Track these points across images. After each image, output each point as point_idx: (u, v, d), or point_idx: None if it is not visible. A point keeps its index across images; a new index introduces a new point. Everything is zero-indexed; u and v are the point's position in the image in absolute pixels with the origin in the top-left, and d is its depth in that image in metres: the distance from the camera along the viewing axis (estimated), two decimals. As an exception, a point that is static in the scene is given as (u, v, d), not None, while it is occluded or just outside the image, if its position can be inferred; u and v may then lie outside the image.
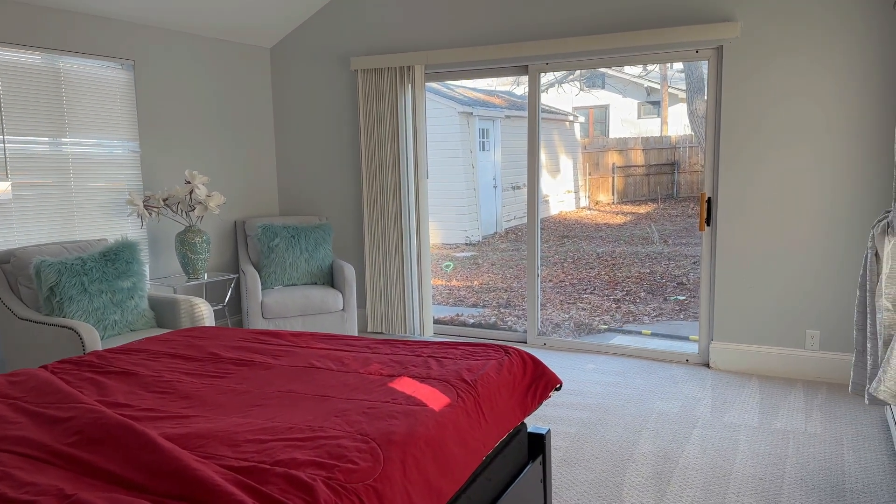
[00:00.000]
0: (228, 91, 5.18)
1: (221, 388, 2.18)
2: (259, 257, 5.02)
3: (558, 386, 2.43)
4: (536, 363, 2.43)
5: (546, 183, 14.14)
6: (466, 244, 11.34)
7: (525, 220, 13.06)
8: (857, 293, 2.75)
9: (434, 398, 1.97)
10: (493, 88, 15.32)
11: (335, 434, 1.71)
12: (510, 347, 2.46)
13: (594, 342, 4.94)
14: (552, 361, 4.56)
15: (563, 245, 10.61)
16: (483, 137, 12.19)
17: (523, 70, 4.82)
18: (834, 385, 4.00)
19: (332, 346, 2.56)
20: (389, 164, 5.10)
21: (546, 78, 15.67)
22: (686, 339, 5.29)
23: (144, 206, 4.28)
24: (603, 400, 3.83)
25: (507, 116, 12.94)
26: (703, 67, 12.92)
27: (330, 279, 5.03)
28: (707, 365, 4.42)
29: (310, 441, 1.68)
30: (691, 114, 13.04)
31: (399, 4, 5.04)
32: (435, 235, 11.69)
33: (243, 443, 1.69)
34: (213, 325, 3.87)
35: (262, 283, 4.85)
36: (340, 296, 4.80)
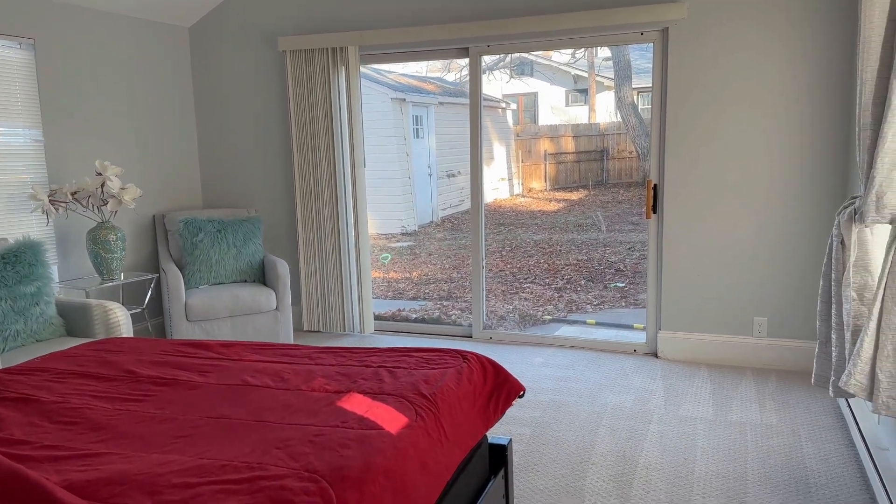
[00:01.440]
0: (143, 74, 4.74)
1: (139, 414, 1.88)
2: (182, 254, 4.62)
3: (521, 393, 2.23)
4: (498, 370, 2.22)
5: (480, 170, 13.97)
6: (403, 234, 11.08)
7: (461, 208, 12.90)
8: (821, 282, 2.67)
9: (390, 418, 1.73)
10: (424, 74, 15.05)
11: (278, 472, 1.45)
12: (468, 353, 2.25)
13: (540, 334, 4.80)
14: (499, 356, 4.39)
15: (500, 233, 10.49)
16: (417, 124, 11.92)
17: (463, 53, 4.60)
18: (783, 372, 3.98)
19: (269, 358, 2.28)
20: (323, 153, 4.79)
21: (477, 64, 15.51)
22: (631, 327, 5.22)
23: (50, 200, 3.84)
24: (555, 396, 3.68)
25: (441, 103, 12.70)
26: (632, 54, 13.00)
27: (261, 276, 4.69)
28: (655, 354, 4.35)
29: (247, 483, 1.42)
30: (619, 101, 13.13)
31: (330, -19, 4.71)
32: (370, 225, 11.36)
33: (167, 489, 1.41)
34: (131, 331, 3.50)
35: (185, 283, 4.47)
36: (273, 294, 4.47)
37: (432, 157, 12.30)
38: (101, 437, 1.74)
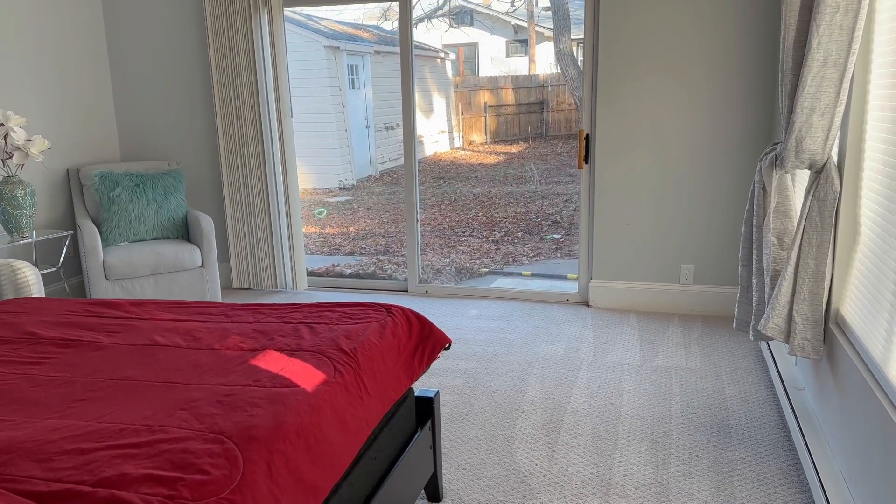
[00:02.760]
0: (49, 17, 4.39)
1: (37, 378, 1.76)
2: (99, 210, 4.38)
3: (447, 345, 2.20)
4: (423, 322, 2.18)
5: (420, 123, 13.82)
6: (340, 188, 10.87)
7: (400, 162, 12.72)
8: (743, 228, 2.71)
9: (307, 375, 1.67)
10: (360, 23, 14.59)
11: (181, 434, 1.38)
12: (393, 306, 2.19)
13: (476, 287, 4.79)
14: (435, 310, 4.36)
15: (440, 187, 10.41)
16: (352, 74, 11.58)
17: (393, -3, 4.42)
18: (708, 318, 4.09)
19: (182, 317, 2.17)
20: (247, 102, 4.58)
21: (415, 13, 15.12)
22: (564, 278, 5.27)
23: (-56, 153, 3.55)
24: (488, 347, 3.69)
25: (378, 52, 12.36)
26: (570, 4, 12.89)
27: (185, 233, 4.51)
28: (587, 304, 4.40)
29: (147, 446, 1.34)
30: (558, 52, 13.07)
31: (250, -83, 4.43)
32: (306, 180, 11.10)
33: (58, 455, 1.32)
34: (42, 291, 3.30)
35: (104, 240, 4.25)
36: (198, 251, 4.30)
37: (369, 108, 12.02)
38: (-7, 405, 1.62)
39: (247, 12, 4.44)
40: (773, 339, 3.02)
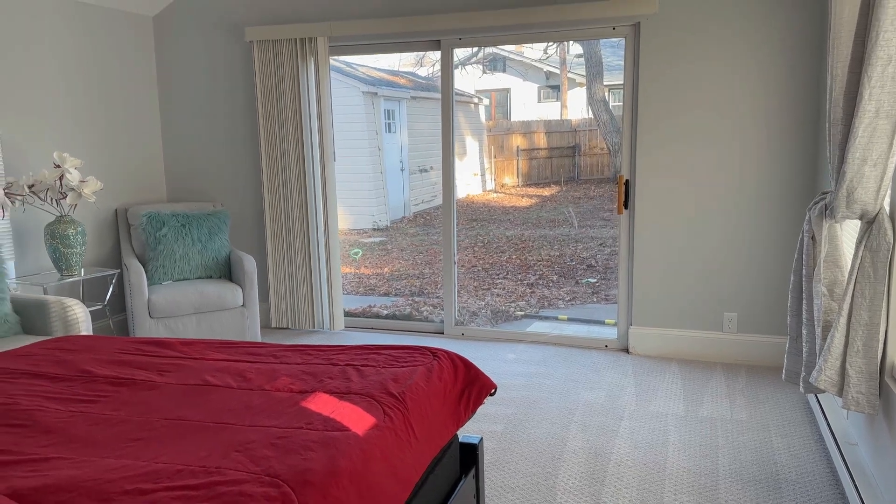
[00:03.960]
0: (105, 64, 4.58)
1: (93, 416, 1.79)
2: (145, 249, 4.49)
3: (493, 391, 2.18)
4: (468, 367, 2.17)
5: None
6: (374, 229, 10.98)
7: (434, 204, 12.84)
8: (792, 278, 2.67)
9: (357, 419, 1.67)
10: (396, 69, 14.93)
11: (237, 477, 1.39)
12: (438, 350, 2.19)
13: (512, 330, 4.77)
14: (472, 353, 4.34)
15: (473, 229, 10.47)
16: (389, 119, 11.81)
17: (435, 45, 4.53)
18: (752, 367, 4.00)
19: (232, 357, 2.20)
20: (292, 146, 4.69)
21: (450, 59, 15.43)
22: (602, 322, 5.22)
23: (6, 193, 3.69)
24: (527, 392, 3.65)
25: (413, 98, 12.61)
26: (603, 51, 13.03)
27: (227, 272, 4.59)
28: (626, 350, 4.34)
29: (205, 489, 1.35)
30: (591, 98, 13.17)
31: (299, -30, 4.61)
32: (341, 220, 11.21)
33: (119, 496, 1.34)
34: (90, 328, 3.38)
35: (149, 278, 4.34)
36: (240, 290, 4.37)
37: (404, 151, 12.22)
38: (52, 441, 1.65)
39: (294, 61, 4.59)
40: (824, 392, 2.94)
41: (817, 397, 3.14)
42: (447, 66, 4.54)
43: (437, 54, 4.54)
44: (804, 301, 2.57)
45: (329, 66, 4.64)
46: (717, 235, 4.05)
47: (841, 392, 2.33)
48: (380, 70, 13.48)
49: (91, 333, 3.38)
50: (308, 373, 2.01)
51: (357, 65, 12.68)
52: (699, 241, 4.09)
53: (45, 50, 4.16)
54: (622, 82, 4.15)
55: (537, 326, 5.18)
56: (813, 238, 2.51)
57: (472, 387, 2.14)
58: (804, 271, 2.56)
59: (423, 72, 15.79)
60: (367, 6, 4.50)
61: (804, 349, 2.58)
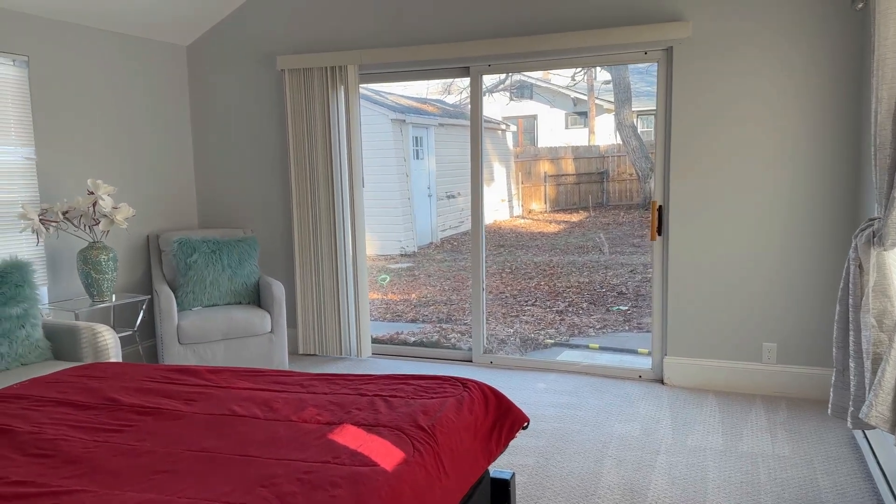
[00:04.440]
0: (140, 92, 4.66)
1: (118, 447, 1.76)
2: (175, 275, 4.52)
3: (525, 424, 2.11)
4: (500, 399, 2.10)
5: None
6: (402, 255, 10.98)
7: (461, 230, 12.81)
8: (838, 308, 2.56)
9: (386, 454, 1.61)
10: (424, 96, 15.06)
11: (262, 514, 1.33)
12: (469, 381, 2.13)
13: (543, 359, 4.68)
14: (501, 382, 4.26)
15: (500, 255, 10.40)
16: (416, 145, 11.87)
17: (464, 72, 4.53)
18: (794, 400, 3.85)
19: (259, 386, 2.16)
20: (321, 173, 4.70)
21: (477, 86, 15.51)
22: (635, 352, 5.10)
23: (41, 220, 3.74)
24: (559, 424, 3.55)
25: (441, 125, 12.67)
26: (632, 77, 13.00)
27: (256, 298, 4.58)
28: (661, 381, 4.22)
29: (229, 527, 1.30)
30: (619, 123, 13.11)
31: None
32: (369, 246, 11.25)
33: (139, 532, 1.29)
34: (120, 354, 3.38)
35: (179, 304, 4.35)
36: (268, 316, 4.36)
37: (432, 178, 12.25)
38: (75, 472, 1.62)
39: (324, 89, 4.62)
40: (871, 428, 2.80)
41: (864, 433, 3.00)
42: (476, 93, 4.53)
43: (465, 81, 4.53)
44: (851, 332, 2.46)
45: (359, 94, 4.66)
46: (755, 262, 3.94)
47: (894, 429, 2.21)
48: (408, 98, 13.60)
49: (120, 359, 3.38)
50: (335, 403, 1.96)
51: (386, 93, 12.81)
52: (736, 267, 3.98)
53: (81, 79, 4.24)
54: (651, 108, 4.09)
55: (568, 355, 5.07)
56: (860, 266, 2.40)
57: (504, 420, 2.07)
58: (851, 301, 2.45)
59: (450, 99, 15.90)
60: (396, 34, 4.53)
61: (852, 383, 2.46)
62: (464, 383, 2.11)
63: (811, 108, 3.75)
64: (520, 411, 2.11)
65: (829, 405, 2.66)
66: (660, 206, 4.16)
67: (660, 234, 4.17)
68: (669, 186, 4.06)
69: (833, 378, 2.62)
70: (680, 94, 3.97)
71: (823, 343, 3.86)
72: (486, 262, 4.67)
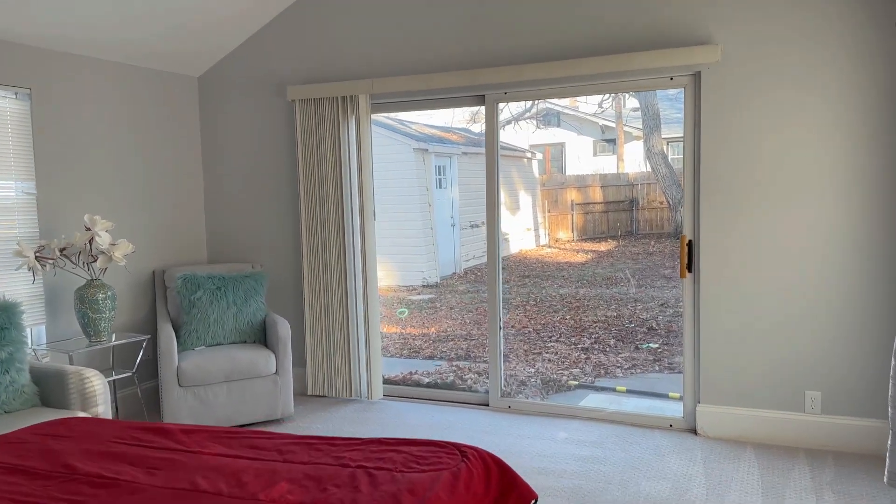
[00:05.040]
0: (149, 125, 4.55)
1: (58, 530, 1.53)
2: (179, 313, 4.34)
3: (534, 501, 1.83)
4: (504, 470, 1.84)
5: (505, 220, 13.75)
6: (424, 286, 10.75)
7: (485, 260, 12.57)
8: (892, 361, 2.25)
9: (358, 551, 1.36)
10: (449, 125, 14.96)
11: None
12: (468, 448, 1.87)
13: (565, 403, 4.38)
14: (518, 429, 3.96)
15: (525, 286, 10.11)
16: (440, 175, 11.71)
17: (479, 100, 4.33)
18: (841, 455, 3.50)
19: (232, 451, 1.92)
20: (332, 205, 4.51)
21: (503, 115, 15.40)
22: (666, 396, 4.76)
23: (37, 257, 3.59)
24: (580, 482, 3.25)
25: (465, 153, 12.51)
26: (661, 104, 12.72)
27: (262, 337, 4.37)
28: (694, 431, 3.89)
29: None
30: (648, 151, 12.82)
31: (341, 28, 4.52)
32: (391, 277, 11.07)
33: None
34: (109, 400, 3.18)
35: (181, 344, 4.16)
36: (273, 357, 4.14)
37: (455, 207, 12.05)
38: (0, 565, 1.39)
39: (335, 119, 4.45)
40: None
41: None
42: (492, 122, 4.32)
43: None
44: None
45: (370, 124, 4.48)
46: (797, 303, 3.61)
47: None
48: (433, 127, 13.50)
49: (109, 406, 3.18)
50: (312, 477, 1.71)
51: (409, 122, 12.72)
52: (775, 308, 3.65)
53: (86, 111, 4.13)
54: (680, 135, 3.83)
55: (592, 399, 4.76)
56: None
57: (509, 496, 1.80)
58: (911, 356, 2.14)
59: (476, 128, 15.78)
60: (408, 62, 4.35)
61: (914, 450, 2.14)
62: (462, 452, 1.85)
63: (858, 133, 3.45)
64: (526, 486, 1.84)
65: (886, 472, 2.34)
66: (689, 241, 3.87)
67: (690, 271, 3.87)
68: (699, 220, 3.78)
69: (889, 443, 2.30)
70: (709, 121, 3.70)
71: (874, 391, 3.50)
72: (507, 294, 4.41)
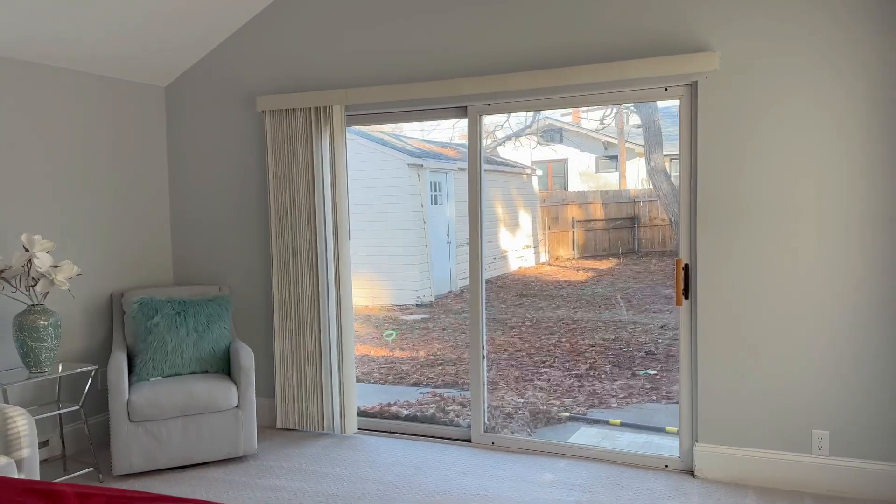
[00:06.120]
0: (110, 137, 4.25)
1: None
2: (136, 340, 4.02)
3: None
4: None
5: (504, 238, 13.44)
6: (417, 305, 10.41)
7: (487, 276, 12.25)
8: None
9: None
10: (449, 141, 14.70)
11: None
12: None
13: (554, 439, 4.04)
14: (501, 469, 3.62)
15: (522, 306, 9.78)
16: (435, 191, 11.42)
17: (462, 112, 4.03)
18: (850, 501, 3.15)
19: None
20: (304, 223, 4.21)
21: (504, 132, 15.14)
22: (662, 430, 4.41)
23: (-30, 280, 3.29)
24: (563, 534, 2.90)
25: (461, 169, 12.22)
26: (663, 121, 12.45)
27: (226, 366, 4.05)
28: (691, 472, 3.54)
29: None
30: (651, 169, 12.55)
31: (313, 35, 4.23)
32: (383, 296, 10.74)
33: None
34: (35, 443, 2.86)
35: (137, 374, 3.84)
36: (235, 389, 3.81)
37: (451, 224, 11.74)
38: None
39: (308, 131, 4.16)
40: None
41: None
42: (474, 136, 4.02)
43: (493, 125, 4.01)
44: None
45: (345, 137, 4.18)
46: (805, 334, 3.28)
47: None
48: (429, 142, 13.23)
49: (37, 448, 2.86)
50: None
51: (404, 137, 12.44)
52: (780, 340, 3.32)
53: (37, 123, 3.84)
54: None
55: (584, 434, 4.41)
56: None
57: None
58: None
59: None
60: (386, 72, 4.06)
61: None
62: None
63: (869, 149, 3.13)
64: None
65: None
66: (686, 265, 3.55)
67: (686, 298, 3.54)
68: (696, 242, 3.46)
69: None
70: (707, 135, 3.40)
71: (887, 432, 3.16)
72: (503, 315, 4.09)
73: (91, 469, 3.70)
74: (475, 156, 4.03)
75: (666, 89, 3.54)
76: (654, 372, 6.10)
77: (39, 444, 3.83)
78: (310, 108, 4.15)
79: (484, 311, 4.06)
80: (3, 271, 3.38)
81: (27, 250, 3.32)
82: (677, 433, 3.72)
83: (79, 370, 3.63)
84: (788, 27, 3.22)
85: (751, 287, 3.35)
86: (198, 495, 3.40)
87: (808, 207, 3.24)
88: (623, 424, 4.60)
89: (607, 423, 4.67)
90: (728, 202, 3.37)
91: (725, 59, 3.34)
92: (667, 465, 3.63)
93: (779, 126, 3.27)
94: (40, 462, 3.81)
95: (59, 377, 3.74)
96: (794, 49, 3.21)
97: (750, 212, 3.34)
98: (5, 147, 3.68)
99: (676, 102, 3.51)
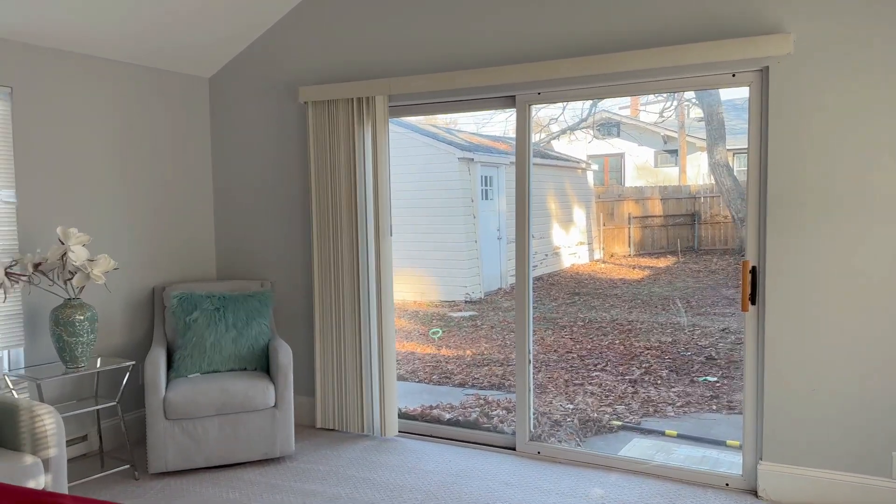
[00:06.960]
0: (155, 129, 4.20)
1: None
2: (175, 336, 3.96)
3: None
4: None
5: (557, 234, 13.11)
6: (466, 301, 10.22)
7: (535, 274, 11.97)
8: None
9: None
10: (502, 135, 14.44)
11: None
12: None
13: (604, 451, 3.79)
14: (546, 483, 3.40)
15: (574, 304, 9.48)
16: (486, 185, 11.19)
17: (510, 102, 3.81)
18: (943, 538, 2.81)
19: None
20: (345, 219, 4.07)
21: (559, 125, 14.78)
22: (723, 444, 4.10)
23: (7, 273, 3.26)
24: (612, 559, 2.67)
25: (513, 163, 11.99)
26: (726, 114, 11.88)
27: (265, 364, 3.95)
28: (755, 493, 3.25)
29: None
30: (713, 163, 12.02)
31: (357, 25, 4.08)
32: (432, 292, 10.59)
33: None
34: (63, 443, 2.79)
35: (175, 371, 3.77)
36: (272, 387, 3.70)
37: (502, 219, 11.49)
38: None
39: (350, 122, 4.01)
40: None
41: None
42: (522, 127, 3.79)
43: (546, 118, 3.79)
44: None
45: (388, 128, 4.01)
46: (885, 345, 2.95)
47: None
48: (481, 136, 13.00)
49: (63, 449, 2.78)
50: None
51: (458, 131, 12.25)
52: (858, 351, 3.00)
53: (76, 113, 3.80)
54: (746, 146, 3.21)
55: (637, 445, 4.14)
56: None
57: None
58: None
59: (533, 138, 15.24)
60: (430, 61, 3.87)
61: None
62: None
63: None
64: None
65: None
66: (753, 267, 3.25)
67: (753, 304, 3.24)
68: (765, 242, 3.15)
69: None
70: (779, 126, 3.09)
71: None
72: (554, 314, 3.86)
73: (127, 466, 3.65)
74: (524, 148, 3.80)
75: (734, 75, 3.24)
76: (715, 379, 5.75)
77: (78, 438, 3.80)
78: (352, 99, 4.00)
79: (531, 313, 3.84)
80: (39, 264, 3.33)
81: (63, 243, 3.27)
82: (740, 448, 3.43)
83: (117, 366, 3.57)
84: (877, 6, 2.88)
85: (825, 293, 3.03)
86: (232, 498, 3.30)
87: (894, 203, 2.90)
88: (680, 436, 4.30)
89: (663, 433, 4.38)
90: (802, 200, 3.06)
91: (801, 41, 3.02)
92: (727, 484, 3.34)
93: (862, 117, 2.93)
94: (78, 457, 3.78)
95: (97, 372, 3.69)
96: (882, 31, 2.88)
97: (826, 209, 3.02)
98: (51, 138, 3.65)
99: (741, 94, 3.20)
